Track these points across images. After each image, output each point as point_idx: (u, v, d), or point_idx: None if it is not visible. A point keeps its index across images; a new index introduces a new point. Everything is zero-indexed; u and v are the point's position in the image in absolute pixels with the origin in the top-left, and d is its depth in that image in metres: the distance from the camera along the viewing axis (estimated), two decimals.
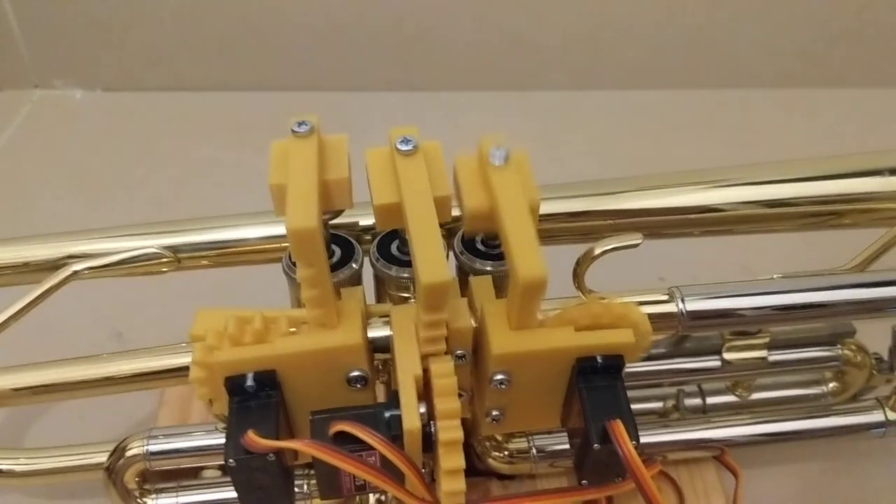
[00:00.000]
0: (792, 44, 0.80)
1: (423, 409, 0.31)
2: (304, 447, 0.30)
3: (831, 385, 0.47)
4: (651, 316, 0.36)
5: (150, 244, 0.40)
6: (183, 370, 0.40)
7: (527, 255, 0.30)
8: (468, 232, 0.33)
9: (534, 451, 0.43)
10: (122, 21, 0.81)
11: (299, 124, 0.33)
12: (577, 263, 0.36)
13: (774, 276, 0.38)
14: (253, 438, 0.30)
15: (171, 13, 0.80)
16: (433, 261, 0.29)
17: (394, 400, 0.31)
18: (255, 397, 0.32)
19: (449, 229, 0.40)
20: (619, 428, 0.31)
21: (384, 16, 0.79)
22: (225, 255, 0.41)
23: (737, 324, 0.38)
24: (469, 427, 0.42)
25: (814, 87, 0.82)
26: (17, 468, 0.43)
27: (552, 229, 0.43)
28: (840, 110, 0.80)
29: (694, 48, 0.81)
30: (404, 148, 0.33)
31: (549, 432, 0.43)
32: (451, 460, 0.31)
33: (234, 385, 0.32)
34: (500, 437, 0.43)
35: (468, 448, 0.44)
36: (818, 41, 0.80)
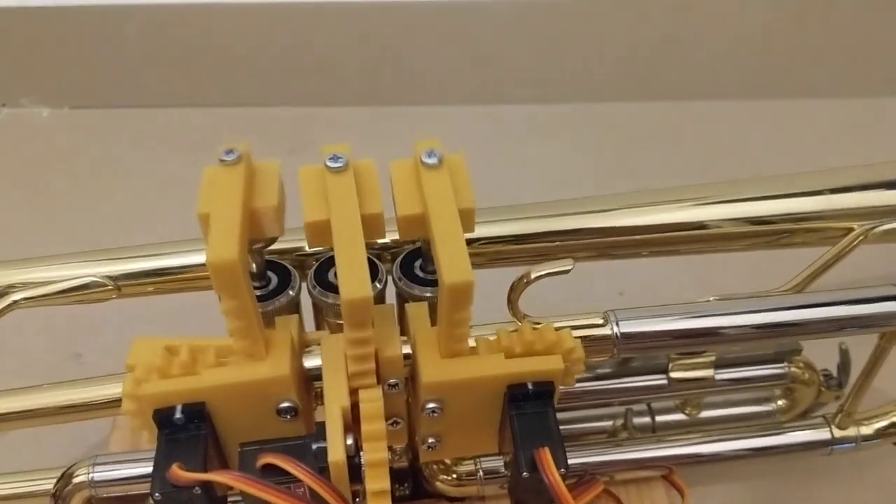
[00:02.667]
0: (757, 55, 0.81)
1: (350, 441, 0.31)
2: (228, 479, 0.29)
3: (780, 402, 0.47)
4: (587, 339, 0.36)
5: (90, 272, 0.40)
6: None
7: (453, 258, 0.30)
8: (403, 238, 0.33)
9: (481, 473, 0.43)
10: (88, 39, 0.80)
11: (227, 152, 0.33)
12: (511, 289, 0.36)
13: (711, 299, 0.38)
14: (176, 472, 0.30)
15: (137, 30, 0.79)
16: (355, 277, 0.29)
17: (322, 431, 0.31)
18: (184, 429, 0.32)
19: (392, 254, 0.41)
20: (545, 456, 0.31)
21: (350, 31, 0.79)
22: (167, 282, 0.41)
23: (672, 346, 0.38)
24: (416, 452, 0.42)
25: (779, 98, 0.82)
26: None
27: (501, 251, 0.43)
28: (803, 121, 0.80)
29: (657, 61, 0.81)
30: (334, 165, 0.33)
31: (498, 454, 0.43)
32: (377, 482, 0.30)
33: (162, 418, 0.32)
34: (448, 461, 0.43)
35: (417, 471, 0.44)
36: (782, 52, 0.80)
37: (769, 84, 0.82)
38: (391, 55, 0.81)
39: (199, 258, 0.41)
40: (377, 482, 0.30)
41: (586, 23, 0.79)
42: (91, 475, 0.41)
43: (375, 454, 0.30)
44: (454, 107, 0.82)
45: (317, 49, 0.80)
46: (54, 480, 0.42)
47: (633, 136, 0.79)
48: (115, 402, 0.40)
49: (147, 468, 0.41)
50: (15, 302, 0.39)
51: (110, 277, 0.40)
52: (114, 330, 0.60)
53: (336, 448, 0.30)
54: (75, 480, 0.41)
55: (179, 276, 0.41)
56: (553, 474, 0.30)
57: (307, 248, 0.41)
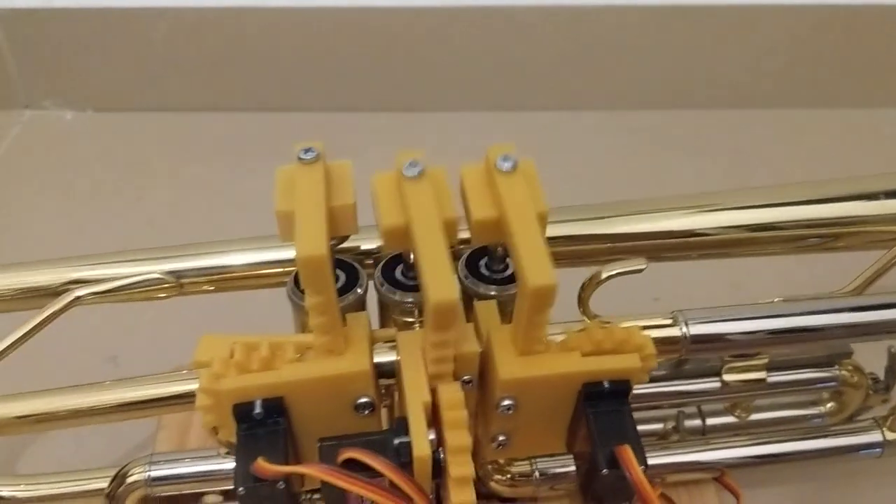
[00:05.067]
0: (780, 64, 0.81)
1: (432, 436, 0.31)
2: (318, 472, 0.30)
3: (829, 405, 0.47)
4: (654, 340, 0.36)
5: (152, 269, 0.40)
6: (182, 397, 0.39)
7: (535, 262, 0.30)
8: (475, 242, 0.34)
9: (536, 473, 0.43)
10: (112, 41, 0.80)
11: (305, 151, 0.33)
12: (582, 288, 0.36)
13: (775, 300, 0.39)
14: (263, 465, 0.30)
15: (163, 33, 0.80)
16: (442, 279, 0.29)
17: (401, 426, 0.31)
18: (262, 424, 0.32)
19: (453, 253, 0.41)
20: (628, 453, 0.31)
21: (376, 36, 0.80)
22: (227, 279, 0.41)
23: (739, 347, 0.38)
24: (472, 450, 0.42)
25: (803, 107, 0.83)
26: (19, 495, 0.43)
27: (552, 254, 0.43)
28: (830, 131, 0.81)
29: (683, 69, 0.81)
30: (411, 172, 0.33)
31: (552, 455, 0.43)
32: (460, 468, 0.31)
33: (241, 412, 0.32)
34: (502, 461, 0.43)
35: None
36: (806, 62, 0.81)
37: (795, 94, 0.83)
38: (416, 61, 0.81)
39: (260, 256, 0.41)
40: (461, 468, 0.30)
41: (611, 30, 0.79)
42: (148, 473, 0.41)
43: (458, 440, 0.30)
44: (481, 113, 0.83)
45: (342, 54, 0.81)
46: (107, 480, 0.42)
47: (657, 145, 0.80)
48: (166, 400, 0.40)
49: (203, 466, 0.41)
50: (78, 298, 0.39)
51: (172, 274, 0.40)
52: (149, 333, 0.60)
53: (421, 443, 0.30)
54: (129, 480, 0.41)
55: (241, 273, 0.41)
56: (637, 471, 0.31)
57: (361, 248, 0.41)
